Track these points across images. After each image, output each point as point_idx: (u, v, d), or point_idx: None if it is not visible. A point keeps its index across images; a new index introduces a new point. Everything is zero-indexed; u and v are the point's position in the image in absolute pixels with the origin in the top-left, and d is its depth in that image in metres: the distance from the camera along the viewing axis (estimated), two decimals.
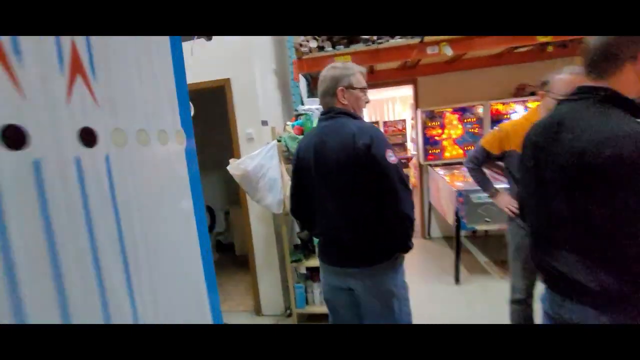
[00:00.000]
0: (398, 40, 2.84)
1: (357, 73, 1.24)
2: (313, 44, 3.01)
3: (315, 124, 2.27)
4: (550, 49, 3.08)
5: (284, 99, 3.29)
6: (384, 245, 1.20)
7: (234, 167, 2.21)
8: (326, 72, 1.25)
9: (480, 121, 3.60)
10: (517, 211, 1.63)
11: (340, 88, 1.21)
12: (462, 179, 3.29)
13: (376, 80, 3.92)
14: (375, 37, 2.87)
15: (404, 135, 8.04)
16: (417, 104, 3.91)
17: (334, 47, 2.96)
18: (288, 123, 2.51)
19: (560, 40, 2.97)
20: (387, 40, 2.84)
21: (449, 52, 2.78)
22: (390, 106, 8.42)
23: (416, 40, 2.80)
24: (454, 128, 3.66)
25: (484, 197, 2.75)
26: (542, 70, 3.60)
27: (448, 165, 3.75)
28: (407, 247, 1.22)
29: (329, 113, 1.25)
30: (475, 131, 3.63)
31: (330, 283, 1.33)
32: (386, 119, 8.23)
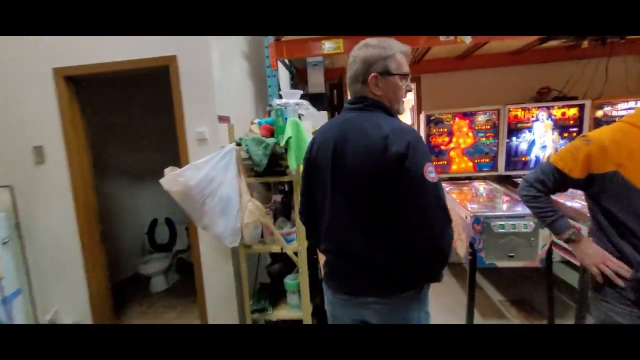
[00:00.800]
0: None
1: (398, 54, 0.99)
2: None
3: (288, 123, 1.62)
4: (585, 44, 2.51)
5: (258, 92, 2.64)
6: (408, 274, 0.98)
7: (170, 180, 1.53)
8: (357, 52, 1.00)
9: (495, 129, 3.01)
10: (619, 280, 0.99)
11: (373, 74, 0.97)
12: (473, 198, 2.69)
13: None
14: None
15: None
16: (419, 106, 3.30)
17: None
18: (254, 121, 1.85)
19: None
20: None
21: (467, 39, 2.18)
22: None
23: None
24: (464, 136, 3.07)
25: (509, 225, 2.14)
26: (569, 72, 3.07)
27: (456, 180, 3.15)
28: (436, 280, 1.00)
29: (358, 103, 1.01)
30: (490, 141, 3.04)
31: (339, 316, 1.09)
32: None
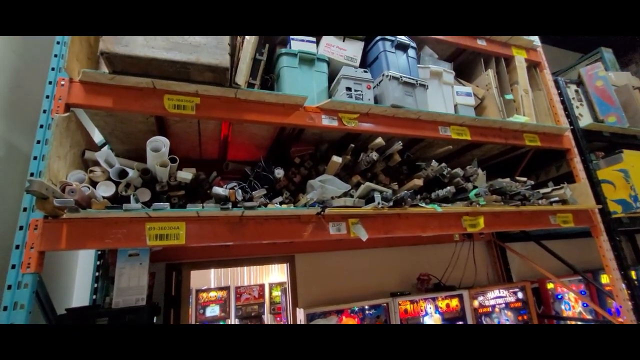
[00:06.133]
0: (281, 209, 1.58)
1: None
2: (104, 188, 1.37)
3: None
4: (456, 237, 2.46)
5: None
6: None
7: None
8: None
9: None
10: None
11: None
12: None
13: (232, 255, 2.43)
14: (239, 197, 1.51)
15: (261, 305, 6.28)
16: (295, 298, 2.49)
17: (155, 199, 1.40)
18: None
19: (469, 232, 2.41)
20: (260, 206, 1.53)
21: (363, 235, 1.66)
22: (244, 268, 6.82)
23: (311, 210, 1.61)
24: None
25: None
26: (442, 255, 3.00)
27: None
28: None
29: None
30: None
31: None
32: (239, 284, 6.43)
